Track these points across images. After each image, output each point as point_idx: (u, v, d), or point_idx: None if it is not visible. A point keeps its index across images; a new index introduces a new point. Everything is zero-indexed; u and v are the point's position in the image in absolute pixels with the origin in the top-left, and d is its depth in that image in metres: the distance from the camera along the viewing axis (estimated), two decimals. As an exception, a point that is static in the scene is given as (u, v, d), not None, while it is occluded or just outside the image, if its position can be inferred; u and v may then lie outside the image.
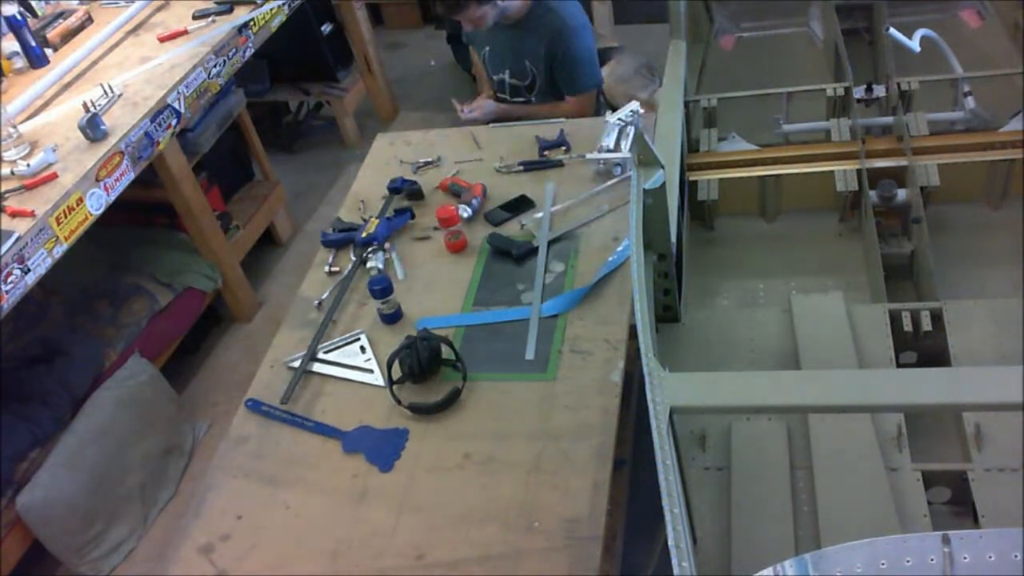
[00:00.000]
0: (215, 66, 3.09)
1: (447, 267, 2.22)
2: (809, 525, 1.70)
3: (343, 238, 2.34)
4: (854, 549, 0.98)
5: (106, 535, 2.72)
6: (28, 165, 2.51)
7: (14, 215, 2.39)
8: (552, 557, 1.55)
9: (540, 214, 2.29)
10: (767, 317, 2.16)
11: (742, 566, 1.63)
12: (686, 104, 2.67)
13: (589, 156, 2.40)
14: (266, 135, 4.09)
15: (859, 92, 2.72)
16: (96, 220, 2.58)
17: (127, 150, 2.70)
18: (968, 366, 1.92)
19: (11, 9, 3.05)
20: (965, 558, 0.95)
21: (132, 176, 2.73)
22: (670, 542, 1.06)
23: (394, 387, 1.86)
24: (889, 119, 2.67)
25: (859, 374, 1.82)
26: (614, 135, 2.37)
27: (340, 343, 2.06)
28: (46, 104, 2.91)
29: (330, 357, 2.04)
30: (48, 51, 3.17)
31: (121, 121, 2.75)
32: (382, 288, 2.04)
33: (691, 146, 2.75)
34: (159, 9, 3.41)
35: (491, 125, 2.81)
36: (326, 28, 4.22)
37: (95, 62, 3.11)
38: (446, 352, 1.91)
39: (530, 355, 1.93)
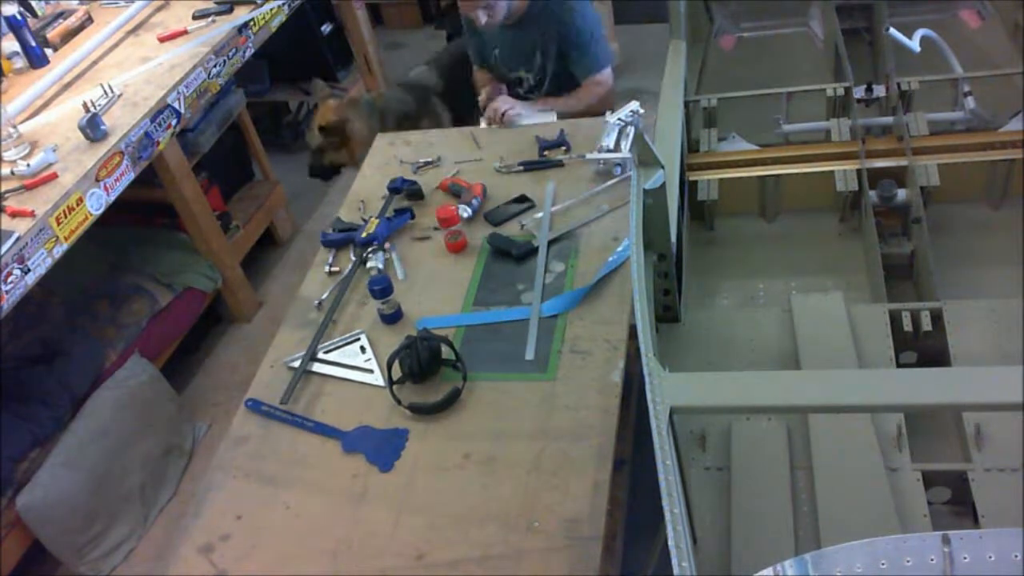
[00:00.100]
0: (215, 66, 3.09)
1: (447, 267, 2.22)
2: (809, 525, 1.70)
3: (343, 238, 2.34)
4: (854, 549, 0.98)
5: (106, 535, 2.72)
6: (28, 165, 2.51)
7: (14, 215, 2.39)
8: (552, 557, 1.55)
9: (540, 214, 2.29)
10: (767, 317, 2.16)
11: (742, 566, 1.63)
12: (686, 104, 2.67)
13: (589, 156, 2.40)
14: (266, 135, 4.09)
15: (859, 92, 2.73)
16: (96, 220, 2.58)
17: (127, 150, 2.70)
18: (968, 366, 1.92)
19: (11, 9, 3.05)
20: (965, 558, 0.95)
21: (132, 176, 2.73)
22: (670, 542, 1.06)
23: (394, 387, 1.86)
24: (889, 119, 2.67)
25: (859, 374, 1.82)
26: (614, 135, 2.37)
27: (340, 343, 2.06)
28: (46, 104, 2.91)
29: (330, 357, 2.04)
30: (48, 51, 3.17)
31: (121, 121, 2.75)
32: (382, 288, 2.04)
33: (691, 146, 2.75)
34: (159, 9, 3.41)
35: (491, 126, 2.81)
36: (326, 28, 4.22)
37: (95, 62, 3.11)
38: (446, 352, 1.91)
39: (530, 355, 1.93)
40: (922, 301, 2.16)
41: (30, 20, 3.17)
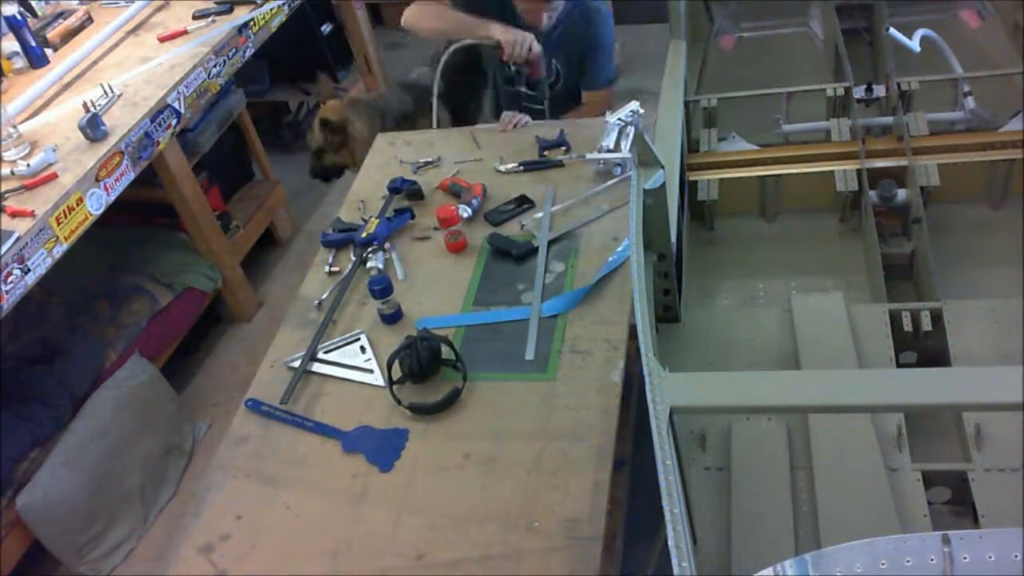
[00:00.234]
0: (215, 66, 3.09)
1: (447, 267, 2.22)
2: (809, 525, 1.70)
3: (343, 238, 2.34)
4: (854, 549, 0.98)
5: (106, 535, 2.72)
6: (28, 165, 2.51)
7: (14, 215, 2.39)
8: (552, 557, 1.54)
9: (540, 214, 2.29)
10: (767, 317, 2.16)
11: (742, 566, 1.63)
12: (686, 104, 2.67)
13: (589, 156, 2.40)
14: (266, 135, 4.09)
15: (859, 92, 2.73)
16: (96, 220, 2.58)
17: (127, 150, 2.70)
18: (968, 366, 1.92)
19: (11, 9, 3.04)
20: (965, 558, 0.95)
21: (132, 176, 2.73)
22: (670, 542, 1.06)
23: (394, 387, 1.86)
24: (889, 119, 2.67)
25: (859, 374, 1.82)
26: (614, 135, 2.37)
27: (340, 343, 2.06)
28: (46, 104, 2.91)
29: (330, 357, 2.04)
30: (48, 51, 3.17)
31: (121, 121, 2.75)
32: (382, 288, 2.04)
33: (691, 146, 2.75)
34: (159, 9, 3.41)
35: (492, 125, 2.80)
36: (326, 28, 4.22)
37: (95, 62, 3.11)
38: (446, 352, 1.90)
39: (530, 355, 1.93)
40: (922, 301, 2.16)
41: (30, 20, 3.17)
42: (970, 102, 2.66)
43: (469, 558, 1.57)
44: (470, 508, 1.65)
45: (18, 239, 2.31)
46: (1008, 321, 1.99)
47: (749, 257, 2.57)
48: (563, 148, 2.49)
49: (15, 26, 3.03)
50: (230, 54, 3.17)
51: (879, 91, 2.73)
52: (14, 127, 2.66)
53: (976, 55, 2.99)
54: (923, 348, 2.07)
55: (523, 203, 2.35)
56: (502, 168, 2.48)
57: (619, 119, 2.39)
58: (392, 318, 2.08)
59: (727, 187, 2.58)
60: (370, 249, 2.27)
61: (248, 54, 3.29)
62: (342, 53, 4.36)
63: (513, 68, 2.74)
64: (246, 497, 1.78)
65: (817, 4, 3.30)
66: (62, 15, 3.34)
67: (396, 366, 1.87)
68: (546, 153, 2.50)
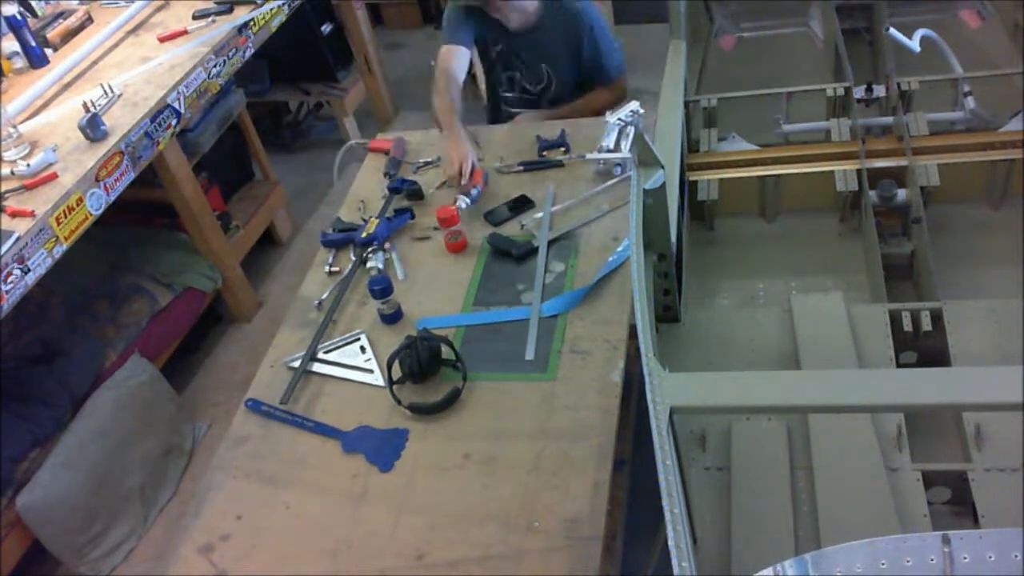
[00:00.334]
0: (215, 66, 3.09)
1: (447, 267, 2.22)
2: (809, 525, 1.70)
3: (343, 238, 2.34)
4: (854, 549, 0.98)
5: (106, 535, 2.71)
6: (28, 165, 2.51)
7: (14, 215, 2.39)
8: (552, 557, 1.55)
9: (540, 214, 2.29)
10: (767, 317, 2.16)
11: (742, 566, 1.63)
12: (686, 104, 2.67)
13: (589, 156, 2.40)
14: (266, 135, 4.09)
15: (859, 92, 2.73)
16: (96, 220, 2.58)
17: (127, 150, 2.70)
18: (968, 366, 1.92)
19: (11, 9, 3.04)
20: (965, 558, 0.95)
21: (132, 176, 2.73)
22: (670, 542, 1.06)
23: (394, 387, 1.86)
24: (889, 119, 2.67)
25: (859, 374, 1.82)
26: (614, 135, 2.37)
27: (340, 343, 2.06)
28: (46, 104, 2.91)
29: (330, 357, 2.04)
30: (48, 51, 3.17)
31: (121, 121, 2.75)
32: (382, 288, 2.04)
33: (691, 146, 2.75)
34: (159, 9, 3.41)
35: (491, 125, 2.81)
36: (326, 28, 4.22)
37: (95, 62, 3.11)
38: (446, 352, 1.91)
39: (530, 355, 1.93)
40: (922, 301, 2.16)
41: (30, 20, 3.17)
42: (970, 102, 2.66)
43: (469, 558, 1.57)
44: (470, 508, 1.65)
45: (18, 239, 2.31)
46: (1008, 321, 1.99)
47: (749, 257, 2.57)
48: (563, 148, 2.50)
49: (15, 26, 3.03)
50: (230, 54, 3.17)
51: (879, 91, 2.73)
52: (14, 127, 2.66)
53: (976, 55, 2.99)
54: (923, 348, 2.07)
55: (523, 203, 2.35)
56: (502, 168, 2.48)
57: (619, 119, 2.39)
58: (392, 318, 2.08)
59: (727, 187, 2.58)
60: (370, 249, 2.27)
61: (248, 54, 3.29)
62: (342, 53, 4.36)
63: (506, 75, 2.84)
64: (246, 497, 1.78)
65: (817, 4, 3.30)
66: (62, 15, 3.34)
67: (396, 366, 1.88)
68: (546, 153, 2.50)
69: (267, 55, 3.96)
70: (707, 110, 2.78)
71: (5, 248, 2.27)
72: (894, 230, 2.43)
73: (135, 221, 3.41)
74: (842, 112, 2.72)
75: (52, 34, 3.23)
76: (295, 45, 4.07)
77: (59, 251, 2.45)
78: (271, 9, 3.36)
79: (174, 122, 2.91)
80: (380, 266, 2.23)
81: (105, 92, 2.84)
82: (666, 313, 2.16)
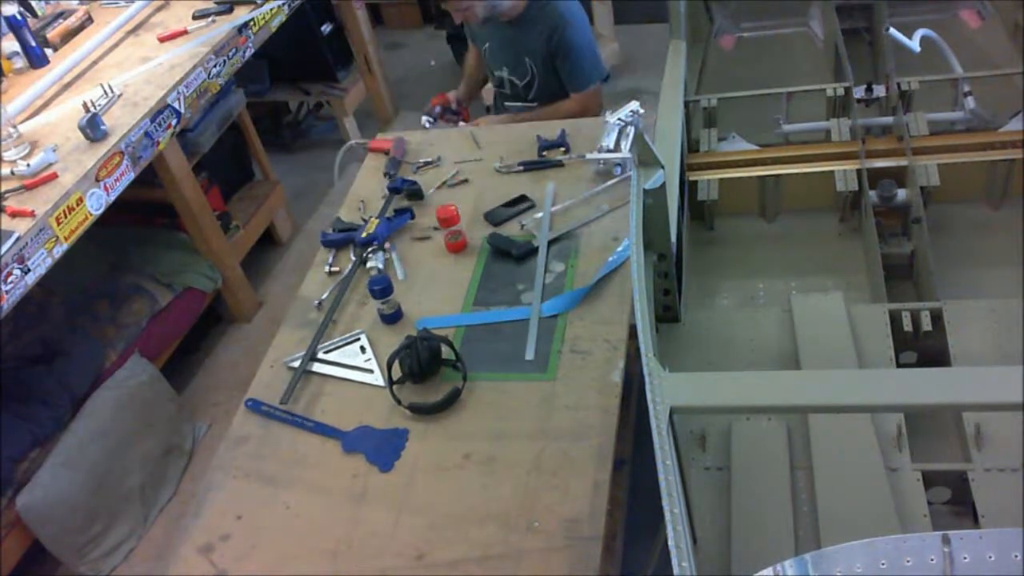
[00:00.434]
0: (215, 66, 3.09)
1: (447, 267, 2.22)
2: (809, 525, 1.70)
3: (343, 238, 2.34)
4: (854, 549, 0.98)
5: (106, 535, 2.72)
6: (28, 165, 2.51)
7: (14, 215, 2.39)
8: (552, 557, 1.55)
9: (540, 214, 2.29)
10: (767, 317, 2.16)
11: (742, 566, 1.63)
12: (686, 104, 2.67)
13: (589, 156, 2.40)
14: (266, 135, 4.10)
15: (859, 92, 2.72)
16: (96, 220, 2.58)
17: (127, 150, 2.70)
18: (968, 366, 1.92)
19: (11, 9, 3.04)
20: (965, 558, 0.95)
21: (132, 176, 2.73)
22: (670, 542, 1.06)
23: (394, 387, 1.86)
24: (889, 119, 2.67)
25: (859, 374, 1.82)
26: (614, 135, 2.37)
27: (340, 343, 2.06)
28: (46, 104, 2.91)
29: (330, 357, 2.04)
30: (48, 51, 3.17)
31: (121, 121, 2.75)
32: (382, 288, 2.04)
33: (691, 146, 2.75)
34: (159, 9, 3.41)
35: (492, 125, 2.81)
36: (326, 28, 4.22)
37: (95, 62, 3.11)
38: (446, 352, 1.90)
39: (530, 355, 1.93)
40: (922, 301, 2.16)
41: (30, 20, 3.17)
42: (970, 102, 2.66)
43: (469, 558, 1.57)
44: (470, 508, 1.65)
45: (18, 239, 2.31)
46: (1008, 321, 1.99)
47: (749, 257, 2.57)
48: (563, 148, 2.50)
49: (15, 26, 3.03)
50: (230, 54, 3.17)
51: (879, 91, 2.73)
52: (14, 127, 2.66)
53: (976, 55, 2.99)
54: (923, 348, 2.07)
55: (523, 203, 2.35)
56: (502, 168, 2.48)
57: (619, 119, 2.39)
58: (392, 318, 2.08)
59: (727, 187, 2.58)
60: (370, 249, 2.27)
61: (248, 54, 3.29)
62: (342, 53, 4.36)
63: (497, 73, 2.97)
64: (246, 497, 1.78)
65: (817, 4, 3.30)
66: (62, 15, 3.34)
67: (396, 366, 1.88)
68: (546, 153, 2.50)
69: (267, 55, 3.96)
70: (707, 110, 2.78)
71: (5, 248, 2.27)
72: (894, 230, 2.43)
73: (135, 221, 3.41)
74: (842, 112, 2.72)
75: (52, 34, 3.23)
76: (295, 45, 4.07)
77: (59, 251, 2.45)
78: (271, 9, 3.36)
79: (174, 122, 2.91)
80: (380, 266, 2.23)
81: (105, 92, 2.84)
82: (666, 313, 2.16)
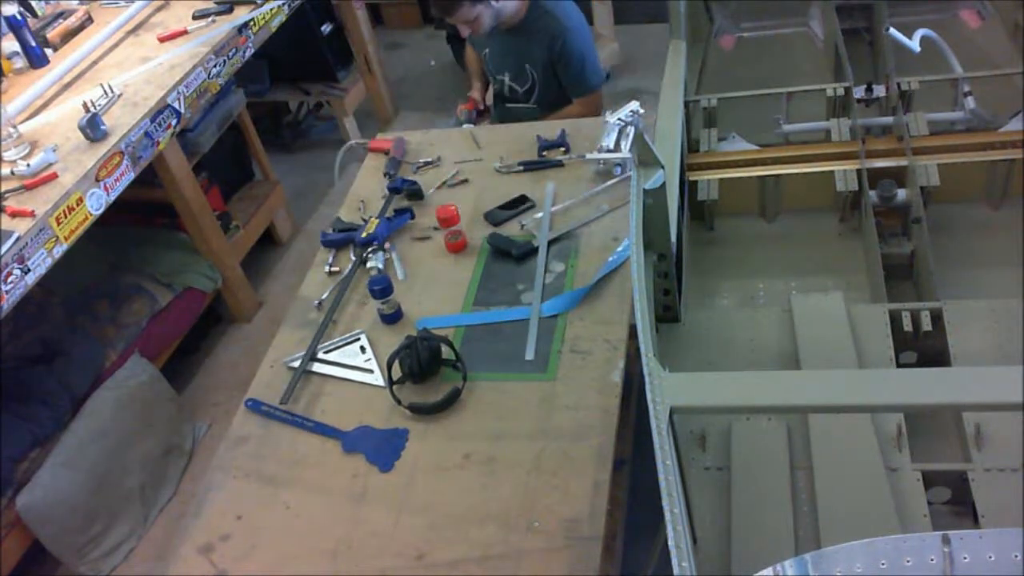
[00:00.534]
0: (215, 66, 3.09)
1: (447, 267, 2.22)
2: (809, 525, 1.70)
3: (343, 238, 2.34)
4: (854, 549, 0.98)
5: (106, 535, 2.72)
6: (28, 165, 2.51)
7: (14, 215, 2.39)
8: (552, 557, 1.55)
9: (540, 214, 2.29)
10: (767, 317, 2.16)
11: (742, 566, 1.63)
12: (686, 104, 2.67)
13: (589, 156, 2.40)
14: (266, 135, 4.09)
15: (859, 92, 2.73)
16: (96, 220, 2.58)
17: (127, 150, 2.70)
18: (968, 366, 1.92)
19: (11, 9, 3.04)
20: (965, 558, 0.95)
21: (132, 176, 2.73)
22: (670, 542, 1.06)
23: (394, 387, 1.86)
24: (889, 119, 2.67)
25: (859, 374, 1.82)
26: (614, 135, 2.37)
27: (340, 343, 2.06)
28: (46, 104, 2.91)
29: (330, 357, 2.04)
30: (48, 51, 3.16)
31: (121, 121, 2.75)
32: (382, 288, 2.04)
33: (691, 146, 2.75)
34: (159, 9, 3.41)
35: (492, 125, 2.81)
36: (326, 28, 4.22)
37: (95, 62, 3.11)
38: (446, 352, 1.91)
39: (530, 355, 1.93)
40: (922, 301, 2.16)
41: (30, 20, 3.17)
42: (970, 102, 2.66)
43: (469, 558, 1.57)
44: (470, 508, 1.65)
45: (18, 239, 2.31)
46: (1008, 321, 1.99)
47: (749, 257, 2.57)
48: (563, 148, 2.50)
49: (15, 26, 3.03)
50: (230, 54, 3.17)
51: (879, 91, 2.73)
52: (14, 127, 2.66)
53: (976, 55, 2.99)
54: (923, 348, 2.07)
55: (523, 203, 2.35)
56: (502, 168, 2.48)
57: (619, 119, 2.39)
58: (392, 318, 2.08)
59: (727, 187, 2.58)
60: (370, 249, 2.27)
61: (248, 54, 3.29)
62: (342, 53, 4.36)
63: (498, 78, 3.00)
64: (246, 497, 1.78)
65: (817, 4, 3.30)
66: (62, 15, 3.34)
67: (396, 366, 1.88)
68: (546, 153, 2.50)
69: (267, 55, 3.96)
70: (707, 110, 2.78)
71: (5, 248, 2.27)
72: (894, 230, 2.43)
73: (135, 221, 3.41)
74: (842, 112, 2.72)
75: (52, 34, 3.23)
76: (295, 45, 4.06)
77: (59, 251, 2.45)
78: (271, 9, 3.36)
79: (174, 122, 2.91)
80: (380, 266, 2.23)
81: (105, 92, 2.84)
82: (666, 313, 2.16)
